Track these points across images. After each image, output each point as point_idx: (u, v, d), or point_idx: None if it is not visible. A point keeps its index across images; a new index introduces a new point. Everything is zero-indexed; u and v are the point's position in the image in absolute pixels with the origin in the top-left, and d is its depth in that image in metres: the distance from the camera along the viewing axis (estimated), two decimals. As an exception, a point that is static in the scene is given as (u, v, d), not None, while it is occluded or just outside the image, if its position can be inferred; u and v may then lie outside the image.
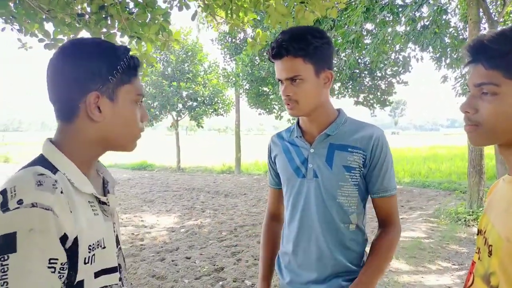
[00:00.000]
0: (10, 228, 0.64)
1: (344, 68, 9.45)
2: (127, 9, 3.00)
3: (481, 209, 6.07)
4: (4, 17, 2.88)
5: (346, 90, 12.62)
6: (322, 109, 1.25)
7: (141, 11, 3.00)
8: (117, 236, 0.89)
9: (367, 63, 11.41)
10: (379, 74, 12.19)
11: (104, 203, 0.85)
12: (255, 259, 4.38)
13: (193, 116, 15.36)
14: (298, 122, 1.34)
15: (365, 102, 13.10)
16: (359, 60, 11.24)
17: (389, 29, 7.95)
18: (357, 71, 11.85)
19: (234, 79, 13.36)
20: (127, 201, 8.61)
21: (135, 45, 3.33)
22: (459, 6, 8.28)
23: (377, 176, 1.23)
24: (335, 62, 10.05)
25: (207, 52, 15.66)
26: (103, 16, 2.88)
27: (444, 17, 7.71)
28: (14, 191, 0.67)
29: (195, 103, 15.35)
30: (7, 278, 0.63)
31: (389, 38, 8.04)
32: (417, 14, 7.82)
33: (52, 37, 2.98)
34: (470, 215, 6.03)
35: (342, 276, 1.25)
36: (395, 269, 4.00)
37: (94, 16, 2.91)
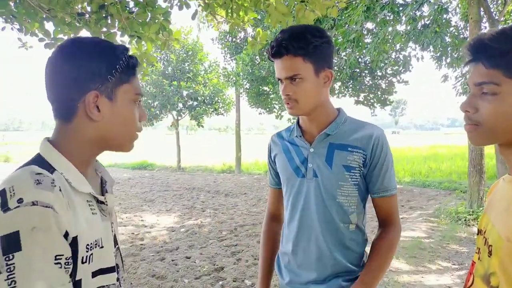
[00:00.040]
0: (12, 228, 0.64)
1: (344, 67, 9.45)
2: (127, 8, 2.99)
3: (481, 208, 6.07)
4: (4, 17, 2.87)
5: (346, 90, 12.62)
6: (322, 109, 1.24)
7: (141, 10, 3.00)
8: (115, 236, 0.88)
9: (367, 62, 11.40)
10: (379, 74, 12.18)
11: (102, 202, 0.85)
12: (255, 259, 4.38)
13: (194, 116, 15.36)
14: (298, 122, 1.33)
15: (365, 102, 13.10)
16: (360, 59, 11.23)
17: (390, 28, 7.94)
18: (358, 70, 11.84)
19: (234, 78, 13.35)
20: (127, 200, 8.61)
21: (135, 44, 3.33)
22: (459, 5, 8.28)
23: (378, 175, 1.22)
24: (336, 61, 10.04)
25: (207, 52, 15.65)
26: (103, 15, 2.88)
27: (444, 16, 7.70)
28: (13, 190, 0.67)
29: (195, 103, 15.35)
30: (14, 277, 0.63)
31: (389, 37, 8.03)
32: (418, 13, 7.80)
33: (52, 36, 2.98)
34: (470, 214, 6.02)
35: (342, 276, 1.24)
36: (395, 269, 4.00)
37: (94, 16, 2.90)
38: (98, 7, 2.84)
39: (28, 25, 2.99)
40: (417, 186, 10.25)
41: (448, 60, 8.65)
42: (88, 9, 3.02)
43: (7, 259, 0.63)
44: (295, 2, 2.86)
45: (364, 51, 8.74)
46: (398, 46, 9.58)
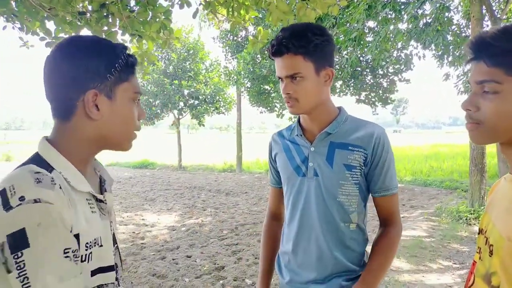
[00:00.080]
0: (17, 225, 0.64)
1: (345, 66, 9.42)
2: (128, 7, 2.99)
3: (482, 207, 6.06)
4: (5, 16, 2.87)
5: (347, 88, 12.59)
6: (322, 107, 1.24)
7: (142, 9, 2.99)
8: (113, 235, 0.88)
9: (369, 61, 11.38)
10: (381, 72, 12.15)
11: (101, 201, 0.85)
12: (256, 258, 4.38)
13: (195, 115, 15.36)
14: (299, 120, 1.33)
15: (366, 100, 13.08)
16: (361, 58, 11.21)
17: (391, 27, 7.91)
18: (359, 69, 11.81)
19: (235, 77, 13.34)
20: (128, 199, 8.63)
21: (136, 43, 3.33)
22: (461, 4, 8.25)
23: (379, 174, 1.22)
24: (337, 60, 10.02)
25: (208, 50, 15.64)
26: (104, 14, 2.88)
27: (446, 14, 7.67)
28: (13, 189, 0.67)
29: (196, 102, 15.35)
30: (26, 274, 0.63)
31: (391, 35, 8.00)
32: (420, 12, 7.77)
33: (53, 35, 2.98)
34: (471, 213, 6.01)
35: (342, 276, 1.24)
36: (396, 268, 3.99)
37: (95, 14, 2.90)
38: (99, 5, 2.83)
39: (29, 24, 2.99)
40: (418, 185, 10.24)
41: (450, 59, 8.63)
42: (89, 8, 3.02)
43: (15, 257, 0.63)
44: (296, 1, 2.85)
45: (365, 49, 8.71)
46: (399, 45, 9.54)
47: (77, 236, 0.72)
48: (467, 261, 4.22)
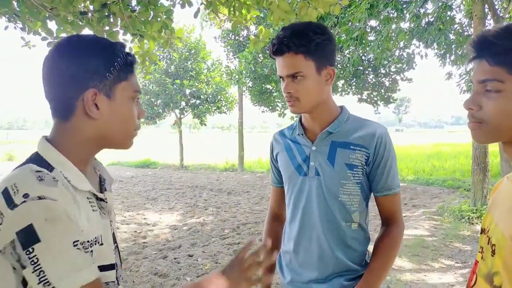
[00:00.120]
0: (25, 222, 0.64)
1: (347, 65, 9.41)
2: (130, 7, 2.99)
3: (485, 207, 6.04)
4: (7, 16, 2.88)
5: (349, 87, 12.58)
6: (324, 106, 1.23)
7: (143, 8, 2.99)
8: (113, 234, 0.88)
9: (371, 60, 11.35)
10: (383, 71, 12.13)
11: (101, 200, 0.85)
12: (258, 257, 4.37)
13: (196, 114, 15.37)
14: (300, 120, 1.32)
15: (369, 99, 13.06)
16: (363, 57, 11.18)
17: (393, 26, 7.89)
18: (361, 68, 11.79)
19: (237, 76, 13.33)
20: (130, 198, 8.64)
21: (138, 43, 3.33)
22: (464, 2, 8.21)
23: (381, 174, 1.21)
24: (339, 59, 10.01)
25: (210, 50, 15.64)
26: (106, 14, 2.88)
27: (449, 13, 7.65)
28: (16, 187, 0.67)
29: (198, 101, 15.35)
30: (41, 268, 0.64)
31: (393, 34, 7.98)
32: (422, 11, 7.75)
33: (55, 35, 2.99)
34: (474, 213, 5.99)
35: (344, 276, 1.24)
36: (398, 267, 3.99)
37: (97, 14, 2.91)
38: (100, 5, 2.84)
39: (31, 24, 3.00)
40: (421, 184, 10.21)
41: (452, 58, 8.60)
42: (91, 7, 3.02)
43: (28, 252, 0.64)
44: (298, 0, 2.85)
45: (367, 48, 8.70)
46: (401, 44, 9.52)
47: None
48: (469, 260, 4.20)
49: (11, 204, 0.65)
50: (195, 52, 15.04)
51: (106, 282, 0.81)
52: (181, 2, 3.18)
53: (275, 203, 1.47)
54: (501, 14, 6.54)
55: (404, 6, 7.63)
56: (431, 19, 7.73)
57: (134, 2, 3.09)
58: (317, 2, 2.74)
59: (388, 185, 1.23)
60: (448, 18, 7.69)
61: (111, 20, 2.94)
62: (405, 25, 8.33)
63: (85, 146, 0.82)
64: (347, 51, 9.59)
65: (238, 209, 7.31)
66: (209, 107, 15.21)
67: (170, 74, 15.13)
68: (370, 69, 12.10)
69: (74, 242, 0.67)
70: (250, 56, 12.14)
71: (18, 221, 0.65)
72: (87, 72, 0.78)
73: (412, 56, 10.00)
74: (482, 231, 0.86)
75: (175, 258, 4.46)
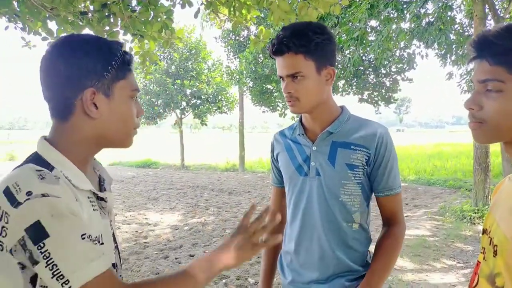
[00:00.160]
0: (32, 219, 0.65)
1: (348, 65, 9.40)
2: (130, 7, 2.99)
3: (486, 206, 6.02)
4: (7, 16, 2.88)
5: (350, 88, 12.57)
6: (324, 106, 1.23)
7: (143, 9, 2.99)
8: (113, 234, 0.88)
9: (371, 60, 11.34)
10: (383, 71, 12.12)
11: (102, 199, 0.84)
12: (259, 257, 4.37)
13: (197, 114, 15.37)
14: (300, 120, 1.32)
15: (369, 100, 13.05)
16: (364, 57, 11.18)
17: (394, 26, 7.88)
18: (362, 68, 11.78)
19: (237, 76, 13.34)
20: (131, 198, 8.64)
21: (138, 43, 3.33)
22: (464, 3, 8.20)
23: (382, 174, 1.21)
24: (339, 59, 10.00)
25: (210, 50, 15.64)
26: (106, 14, 2.88)
27: (449, 13, 7.64)
28: (18, 185, 0.67)
29: (198, 101, 15.36)
30: (54, 261, 0.65)
31: (393, 35, 7.98)
32: (422, 11, 7.75)
33: (55, 35, 2.99)
34: (475, 213, 5.98)
35: (345, 276, 1.23)
36: (399, 267, 3.98)
37: (97, 14, 2.91)
38: (100, 5, 2.84)
39: (31, 24, 3.00)
40: (422, 184, 10.20)
41: (453, 58, 8.59)
42: (91, 7, 3.02)
43: (39, 248, 0.65)
44: (298, 0, 2.84)
45: (368, 49, 8.69)
46: (402, 44, 9.52)
47: None
48: (471, 261, 4.20)
49: (14, 202, 0.65)
50: (195, 52, 15.05)
51: None
52: (181, 2, 3.18)
53: (275, 203, 1.47)
54: (502, 14, 6.53)
55: (405, 6, 7.62)
56: (432, 19, 7.72)
57: (134, 2, 3.09)
58: (317, 2, 2.74)
59: (389, 185, 1.22)
60: (448, 18, 7.68)
61: (111, 20, 2.94)
62: (405, 25, 8.33)
63: (85, 145, 0.82)
64: (347, 51, 9.58)
65: (239, 209, 7.31)
66: (210, 107, 15.21)
67: (171, 74, 15.14)
68: (370, 69, 12.09)
69: (82, 235, 0.68)
70: (250, 56, 12.14)
71: (25, 218, 0.65)
72: (85, 71, 0.78)
73: (413, 56, 10.00)
74: (484, 231, 0.85)
75: (176, 258, 4.46)
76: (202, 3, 3.35)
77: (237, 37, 13.32)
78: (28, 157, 0.79)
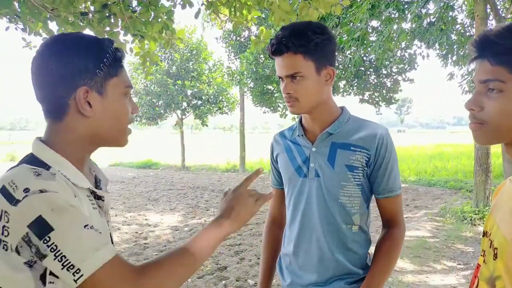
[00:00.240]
0: (33, 215, 0.65)
1: (349, 65, 9.39)
2: (130, 8, 2.99)
3: (487, 208, 6.01)
4: (8, 16, 2.88)
5: (351, 88, 12.55)
6: (324, 107, 1.22)
7: (144, 9, 2.99)
8: (110, 234, 0.88)
9: (372, 60, 11.33)
10: (384, 72, 12.10)
11: (99, 198, 0.84)
12: (258, 258, 4.35)
13: (198, 115, 15.38)
14: (300, 121, 1.31)
15: (370, 100, 13.03)
16: (365, 58, 11.16)
17: (395, 26, 7.87)
18: (362, 68, 11.77)
19: (238, 77, 13.34)
20: (132, 199, 8.64)
21: (138, 43, 3.33)
22: (466, 3, 8.19)
23: (382, 176, 1.20)
24: (340, 59, 9.99)
25: (211, 51, 15.65)
26: (106, 14, 2.88)
27: (450, 13, 7.63)
28: (14, 183, 0.67)
29: (199, 102, 15.36)
30: (62, 253, 0.65)
31: (394, 35, 7.97)
32: (423, 11, 7.74)
33: (56, 36, 2.99)
34: (476, 214, 5.97)
35: (344, 279, 1.22)
36: (399, 269, 3.97)
37: (97, 15, 2.91)
38: (101, 6, 2.84)
39: (32, 24, 3.00)
40: (423, 185, 10.18)
41: (454, 58, 8.57)
42: (91, 8, 3.02)
43: (45, 241, 0.65)
44: (299, 0, 2.84)
45: (369, 49, 8.68)
46: (403, 44, 9.50)
47: None
48: (472, 262, 4.18)
49: (12, 200, 0.65)
50: (196, 53, 15.06)
51: None
52: (181, 2, 3.18)
53: (275, 206, 1.46)
54: (503, 14, 6.52)
55: (406, 6, 7.61)
56: (433, 20, 7.70)
57: (134, 3, 3.09)
58: (318, 2, 2.73)
59: (390, 187, 1.21)
60: (450, 18, 7.67)
61: (112, 20, 2.94)
62: (406, 25, 8.32)
63: (80, 145, 0.82)
64: (348, 52, 9.57)
65: (239, 210, 7.30)
66: (211, 107, 15.22)
67: (172, 75, 15.15)
68: (371, 70, 12.08)
69: (85, 226, 0.68)
70: (251, 56, 12.14)
71: (25, 215, 0.65)
72: (77, 70, 0.77)
73: (414, 56, 9.98)
74: (484, 234, 0.84)
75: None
76: (202, 4, 3.34)
77: (238, 38, 13.33)
78: (23, 158, 0.78)
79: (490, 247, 0.78)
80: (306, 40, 1.11)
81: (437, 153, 18.98)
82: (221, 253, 4.63)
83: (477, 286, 0.82)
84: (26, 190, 0.66)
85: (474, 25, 6.55)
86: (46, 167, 0.74)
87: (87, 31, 3.01)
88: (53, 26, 3.00)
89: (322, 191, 1.21)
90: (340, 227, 1.21)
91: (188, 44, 14.75)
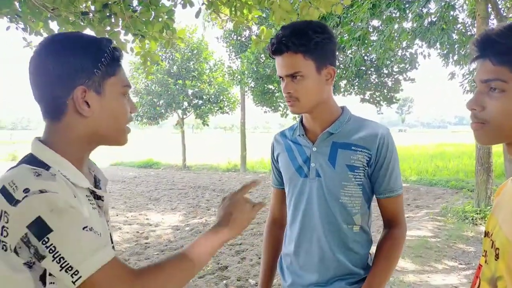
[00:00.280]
0: (32, 215, 0.65)
1: (350, 65, 9.38)
2: (131, 7, 2.99)
3: (489, 207, 6.00)
4: (9, 16, 2.88)
5: (352, 88, 12.54)
6: (324, 106, 1.22)
7: (144, 9, 2.99)
8: (110, 234, 0.88)
9: (373, 60, 11.32)
10: (385, 71, 12.09)
11: (99, 198, 0.84)
12: (259, 258, 4.36)
13: (199, 114, 15.38)
14: (301, 120, 1.31)
15: (371, 100, 13.02)
16: (365, 57, 11.15)
17: (396, 26, 7.86)
18: (363, 68, 11.76)
19: (239, 77, 13.34)
20: (133, 199, 8.65)
21: (139, 43, 3.33)
22: (467, 2, 8.17)
23: (383, 176, 1.20)
24: (341, 59, 9.98)
25: (212, 50, 15.66)
26: (107, 14, 2.88)
27: (451, 13, 7.60)
28: (14, 184, 0.67)
29: (200, 101, 15.37)
30: (60, 255, 0.65)
31: (395, 34, 7.95)
32: (424, 10, 7.72)
33: (56, 35, 2.99)
34: (477, 213, 5.96)
35: (346, 279, 1.22)
36: (401, 268, 3.96)
37: (98, 15, 2.91)
38: (101, 6, 2.84)
39: (32, 24, 3.00)
40: (424, 185, 10.17)
41: (455, 58, 8.55)
42: (92, 8, 3.02)
43: (43, 242, 0.65)
44: (299, 0, 2.83)
45: (370, 48, 8.67)
46: (404, 44, 9.48)
47: None
48: (473, 262, 4.17)
49: (12, 201, 0.65)
50: (197, 52, 15.07)
51: None
52: (182, 2, 3.17)
53: (275, 206, 1.45)
54: (505, 14, 6.50)
55: (407, 5, 7.60)
56: (434, 19, 7.68)
57: (135, 3, 3.09)
58: (319, 1, 2.73)
59: (391, 187, 1.21)
60: (451, 17, 7.64)
61: (113, 20, 2.94)
62: (407, 25, 8.30)
63: (79, 144, 0.81)
64: (349, 51, 9.56)
65: (240, 210, 7.30)
66: (212, 107, 15.22)
67: (173, 75, 15.15)
68: (372, 69, 12.06)
69: (84, 227, 0.68)
70: (252, 56, 12.14)
71: (25, 215, 0.65)
72: (75, 69, 0.77)
73: (415, 56, 9.95)
74: (486, 234, 0.84)
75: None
76: (203, 3, 3.34)
77: (238, 37, 13.33)
78: (22, 158, 0.78)
79: (492, 247, 0.78)
80: (306, 40, 1.11)
81: (438, 153, 18.96)
82: (222, 253, 4.64)
83: (478, 286, 0.81)
84: (26, 190, 0.65)
85: (475, 25, 6.54)
86: (46, 167, 0.74)
87: (88, 31, 3.01)
88: (54, 26, 3.01)
89: (323, 191, 1.21)
90: (341, 227, 1.21)
91: (189, 44, 14.75)
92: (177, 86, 14.69)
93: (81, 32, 0.84)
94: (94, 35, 0.87)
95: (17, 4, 2.82)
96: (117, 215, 6.79)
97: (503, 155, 6.77)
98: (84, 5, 3.02)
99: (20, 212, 0.65)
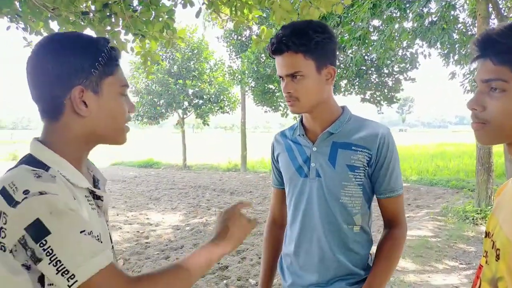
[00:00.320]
0: (31, 217, 0.64)
1: (350, 65, 9.38)
2: (131, 7, 2.99)
3: (489, 207, 5.99)
4: (9, 16, 2.88)
5: (352, 87, 12.54)
6: (324, 106, 1.21)
7: (145, 8, 2.99)
8: (109, 234, 0.88)
9: (374, 60, 11.31)
10: (386, 71, 12.08)
11: (98, 198, 0.84)
12: (260, 258, 4.36)
13: (199, 114, 15.39)
14: (301, 120, 1.30)
15: (372, 99, 13.01)
16: (366, 57, 11.14)
17: (396, 25, 7.85)
18: (364, 68, 11.75)
19: (239, 76, 13.33)
20: (133, 198, 8.65)
21: (139, 43, 3.33)
22: (467, 2, 8.16)
23: (384, 176, 1.19)
24: (342, 59, 9.97)
25: (213, 50, 15.66)
26: (107, 14, 2.88)
27: (452, 12, 7.59)
28: (14, 185, 0.66)
29: (201, 101, 15.38)
30: (57, 258, 0.64)
31: (396, 34, 7.95)
32: (425, 10, 7.71)
33: (56, 35, 2.98)
34: (478, 213, 5.95)
35: (346, 280, 1.22)
36: (401, 268, 3.96)
37: (98, 14, 2.91)
38: (102, 5, 2.83)
39: (33, 24, 3.00)
40: (424, 185, 10.16)
41: (456, 57, 8.54)
42: (92, 7, 3.02)
43: (41, 245, 0.64)
44: (300, -1, 2.83)
45: (370, 48, 8.67)
46: (405, 43, 9.47)
47: None
48: (474, 262, 4.17)
49: (12, 202, 0.65)
50: (197, 52, 15.07)
51: None
52: (182, 2, 3.17)
53: (275, 206, 1.45)
54: (505, 13, 6.49)
55: (407, 5, 7.59)
56: (435, 19, 7.67)
57: (135, 2, 3.09)
58: (319, 1, 2.72)
59: (391, 187, 1.21)
60: (451, 17, 7.64)
61: (113, 20, 2.94)
62: (408, 24, 8.29)
63: (77, 144, 0.81)
64: (350, 51, 9.55)
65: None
66: (212, 107, 15.22)
67: (173, 74, 15.16)
68: (373, 69, 12.05)
69: (82, 231, 0.68)
70: (252, 56, 12.13)
71: (24, 217, 0.64)
72: (72, 69, 0.77)
73: (415, 55, 9.94)
74: (487, 234, 0.84)
75: (177, 259, 4.44)
76: (203, 3, 3.34)
77: (239, 37, 13.32)
78: (21, 159, 0.78)
79: (493, 248, 0.78)
80: (306, 39, 1.10)
81: (439, 152, 18.95)
82: (222, 253, 4.63)
83: (479, 287, 0.81)
84: (26, 192, 0.65)
85: (476, 24, 6.53)
86: (45, 167, 0.73)
87: (88, 31, 3.01)
88: (54, 26, 3.00)
89: (323, 191, 1.21)
90: (341, 227, 1.21)
91: (189, 44, 14.75)
92: (178, 86, 14.69)
93: (78, 32, 0.84)
94: (94, 35, 0.86)
95: (17, 3, 2.82)
96: (117, 215, 6.80)
97: (504, 155, 6.76)
98: (84, 4, 3.02)
99: (19, 213, 0.64)
